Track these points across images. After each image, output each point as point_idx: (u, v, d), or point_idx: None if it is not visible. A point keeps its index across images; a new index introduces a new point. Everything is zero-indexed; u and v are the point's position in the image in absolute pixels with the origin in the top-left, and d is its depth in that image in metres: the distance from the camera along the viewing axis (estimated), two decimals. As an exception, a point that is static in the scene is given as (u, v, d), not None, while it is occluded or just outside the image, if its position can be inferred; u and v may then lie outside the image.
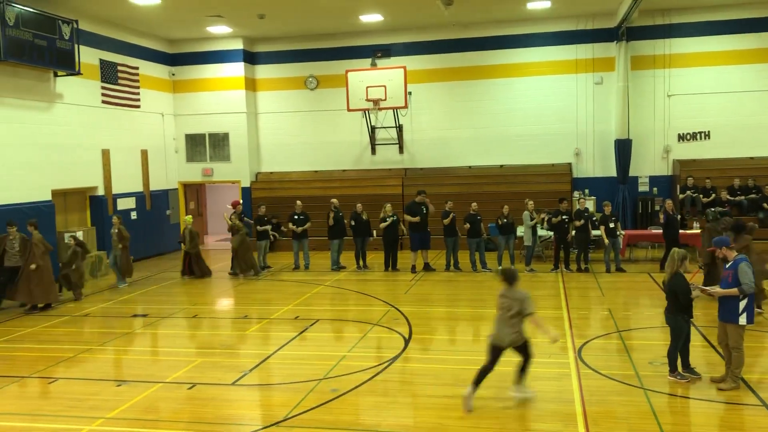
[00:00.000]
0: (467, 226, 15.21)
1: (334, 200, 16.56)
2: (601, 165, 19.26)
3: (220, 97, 20.66)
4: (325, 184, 20.21)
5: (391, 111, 19.13)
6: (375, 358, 8.90)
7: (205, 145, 20.96)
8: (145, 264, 18.07)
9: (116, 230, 14.71)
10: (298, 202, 16.64)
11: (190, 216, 16.63)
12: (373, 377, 8.02)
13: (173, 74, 20.75)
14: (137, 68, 18.94)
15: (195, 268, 15.85)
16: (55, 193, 15.59)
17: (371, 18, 18.24)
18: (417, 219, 15.33)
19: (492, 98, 19.75)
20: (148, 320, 11.69)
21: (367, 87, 18.20)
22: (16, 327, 11.27)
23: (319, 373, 8.24)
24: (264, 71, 21.07)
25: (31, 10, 14.24)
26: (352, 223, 16.02)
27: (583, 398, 7.13)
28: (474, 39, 19.60)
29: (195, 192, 22.16)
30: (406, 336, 9.92)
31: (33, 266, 12.37)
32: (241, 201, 18.04)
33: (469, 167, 19.90)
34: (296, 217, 16.28)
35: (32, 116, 15.03)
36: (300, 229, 16.16)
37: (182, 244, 16.02)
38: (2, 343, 10.24)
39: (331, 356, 9.00)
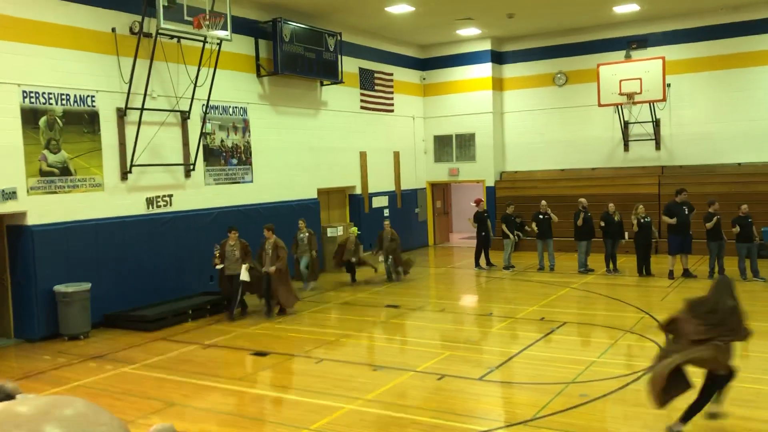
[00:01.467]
0: (736, 229, 13.71)
1: (583, 200, 15.98)
2: None
3: (468, 98, 21.06)
4: (573, 183, 19.58)
5: (647, 105, 17.97)
6: (626, 366, 8.45)
7: (451, 146, 21.56)
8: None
9: (307, 234, 14.31)
10: (543, 202, 16.37)
11: (356, 228, 16.00)
12: (624, 386, 7.62)
13: (424, 78, 21.64)
14: (392, 74, 20.10)
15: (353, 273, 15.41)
16: (320, 191, 17.17)
17: (626, 8, 17.26)
18: (673, 221, 14.18)
19: (765, 88, 17.54)
20: (399, 311, 12.36)
21: (621, 80, 17.32)
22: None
23: (567, 376, 8.03)
24: (511, 70, 21.05)
25: (303, 26, 15.84)
26: (602, 224, 15.32)
27: None
28: (744, 23, 17.52)
29: (441, 191, 22.89)
30: (662, 346, 9.22)
31: (272, 269, 11.84)
32: (483, 199, 18.25)
33: (738, 164, 17.89)
34: (541, 216, 16.04)
35: (302, 122, 16.70)
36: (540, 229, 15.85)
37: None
38: (277, 324, 11.56)
39: (579, 360, 8.74)
